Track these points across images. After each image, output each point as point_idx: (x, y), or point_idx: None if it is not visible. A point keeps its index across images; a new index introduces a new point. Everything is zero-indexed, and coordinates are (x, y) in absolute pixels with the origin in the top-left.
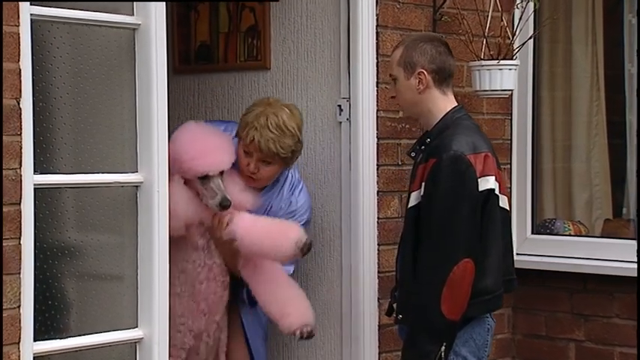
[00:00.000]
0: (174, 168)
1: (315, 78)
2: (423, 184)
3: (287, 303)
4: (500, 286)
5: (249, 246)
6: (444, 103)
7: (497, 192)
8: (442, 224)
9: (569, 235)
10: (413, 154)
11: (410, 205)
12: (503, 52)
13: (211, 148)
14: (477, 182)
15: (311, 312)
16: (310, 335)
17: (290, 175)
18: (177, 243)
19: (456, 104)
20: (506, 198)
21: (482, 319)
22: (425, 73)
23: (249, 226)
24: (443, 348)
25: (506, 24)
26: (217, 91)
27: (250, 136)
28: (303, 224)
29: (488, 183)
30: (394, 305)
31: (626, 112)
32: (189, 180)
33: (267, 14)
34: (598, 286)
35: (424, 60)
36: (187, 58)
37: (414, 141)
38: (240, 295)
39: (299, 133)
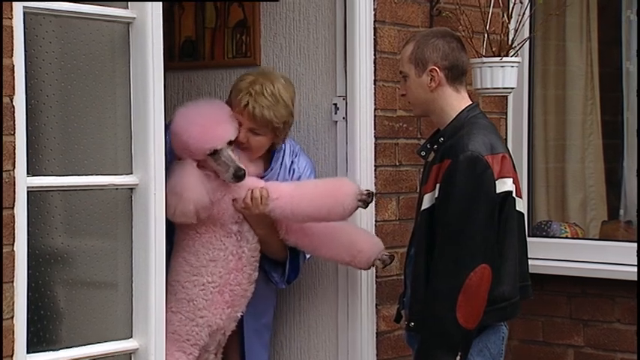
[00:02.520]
0: (185, 155)
1: (309, 75)
2: (438, 185)
3: (353, 242)
4: (517, 293)
5: (303, 214)
6: (457, 101)
7: (514, 194)
8: (458, 228)
9: (566, 237)
10: (423, 153)
11: (423, 207)
12: (505, 49)
13: (210, 122)
14: (495, 184)
15: (377, 237)
16: (392, 258)
17: (288, 145)
18: (207, 231)
19: (471, 102)
20: (522, 201)
21: (498, 328)
22: (437, 70)
23: (293, 194)
24: (458, 357)
25: (507, 20)
26: (203, 88)
27: (244, 101)
28: None
29: (505, 185)
30: (402, 312)
31: (622, 111)
32: (204, 162)
33: (257, 9)
34: (598, 290)
35: (436, 56)
36: (171, 54)
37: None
38: (272, 278)
39: (292, 105)
